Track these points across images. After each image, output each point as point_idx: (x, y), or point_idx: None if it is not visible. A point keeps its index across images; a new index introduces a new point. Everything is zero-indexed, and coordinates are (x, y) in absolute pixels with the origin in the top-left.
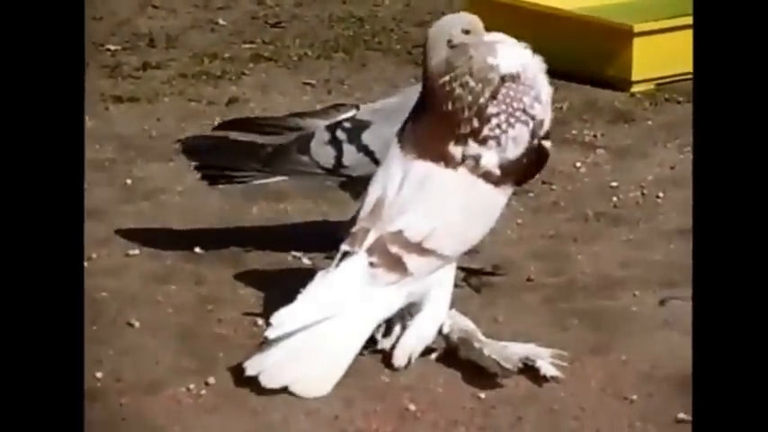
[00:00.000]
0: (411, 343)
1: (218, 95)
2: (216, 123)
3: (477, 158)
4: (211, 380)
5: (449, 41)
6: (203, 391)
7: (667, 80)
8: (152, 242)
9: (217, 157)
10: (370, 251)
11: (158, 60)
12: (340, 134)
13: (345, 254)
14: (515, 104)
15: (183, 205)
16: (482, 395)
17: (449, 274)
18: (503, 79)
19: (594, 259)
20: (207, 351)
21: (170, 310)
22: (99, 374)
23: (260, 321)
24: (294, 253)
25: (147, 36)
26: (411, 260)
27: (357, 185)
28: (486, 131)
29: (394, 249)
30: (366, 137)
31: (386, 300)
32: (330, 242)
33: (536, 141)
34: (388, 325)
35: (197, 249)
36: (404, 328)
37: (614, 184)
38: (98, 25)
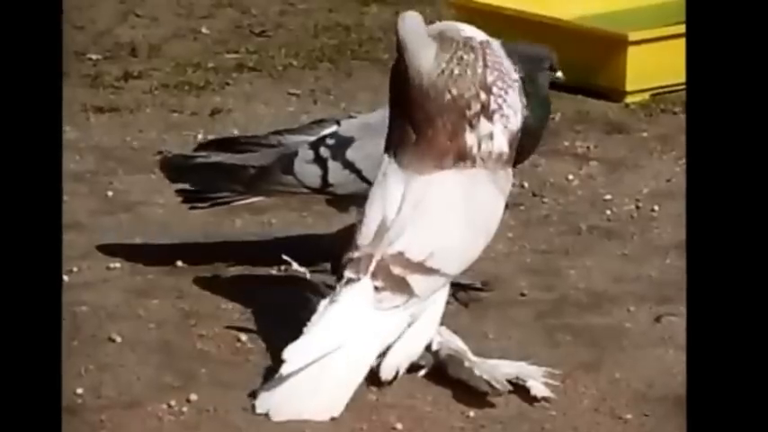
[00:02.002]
0: (398, 358)
1: (202, 106)
2: (198, 135)
3: (491, 136)
4: (193, 396)
5: (431, 35)
6: (185, 408)
7: (662, 90)
8: (133, 255)
9: (198, 180)
10: (373, 276)
11: (140, 70)
12: (324, 152)
13: (349, 280)
14: (502, 68)
15: (165, 218)
16: (471, 414)
17: (443, 291)
18: (481, 46)
19: (587, 274)
20: (189, 367)
21: (151, 324)
22: (79, 390)
23: (243, 337)
24: (285, 257)
25: (129, 45)
26: (415, 281)
27: (343, 202)
28: (492, 104)
29: (397, 271)
30: (351, 153)
31: (391, 323)
32: (315, 255)
33: (526, 111)
34: None
35: (179, 263)
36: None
37: (608, 196)
38: (79, 34)
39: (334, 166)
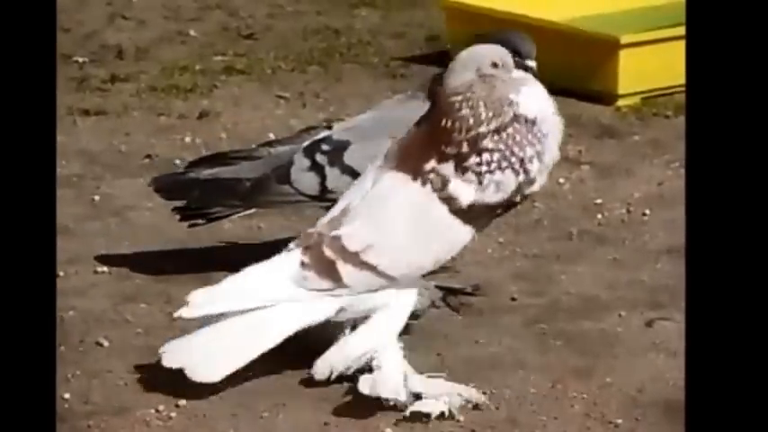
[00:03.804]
0: (334, 358)
1: (189, 109)
2: (186, 138)
3: (445, 181)
4: (182, 402)
5: (478, 69)
6: (173, 414)
7: (654, 94)
8: (121, 260)
9: (194, 197)
10: (305, 250)
11: (127, 73)
12: (320, 158)
13: (287, 250)
14: (516, 149)
15: (153, 222)
16: (461, 418)
17: (399, 300)
18: (515, 118)
19: (578, 279)
20: (177, 372)
21: (139, 329)
22: (66, 395)
23: None
24: None
25: (116, 48)
26: (345, 269)
27: None
28: (471, 162)
29: (328, 253)
30: (348, 157)
31: (314, 306)
32: None
33: (518, 198)
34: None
35: (167, 268)
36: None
37: (599, 201)
38: (65, 37)
39: (332, 171)
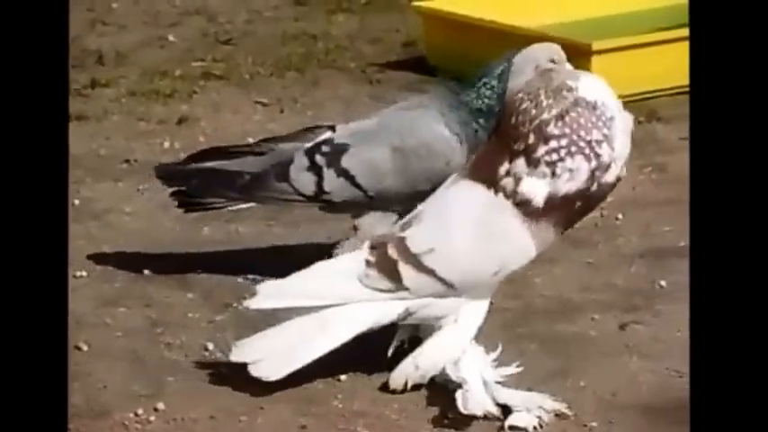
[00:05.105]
0: (409, 369)
1: (169, 114)
2: (165, 143)
3: (518, 179)
4: (160, 405)
5: (536, 66)
6: (152, 417)
7: (627, 99)
8: (101, 264)
9: (193, 186)
10: (371, 249)
11: (107, 78)
12: (319, 159)
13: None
14: (582, 133)
15: (133, 226)
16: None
17: (469, 312)
18: (576, 102)
19: (553, 282)
20: (156, 375)
21: (119, 333)
22: None
23: (210, 346)
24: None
25: (96, 53)
26: (406, 271)
27: (338, 209)
28: (541, 152)
29: (391, 252)
30: (346, 161)
31: (377, 307)
32: (282, 265)
33: (594, 186)
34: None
35: (146, 272)
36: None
37: None
38: None
39: (328, 173)
